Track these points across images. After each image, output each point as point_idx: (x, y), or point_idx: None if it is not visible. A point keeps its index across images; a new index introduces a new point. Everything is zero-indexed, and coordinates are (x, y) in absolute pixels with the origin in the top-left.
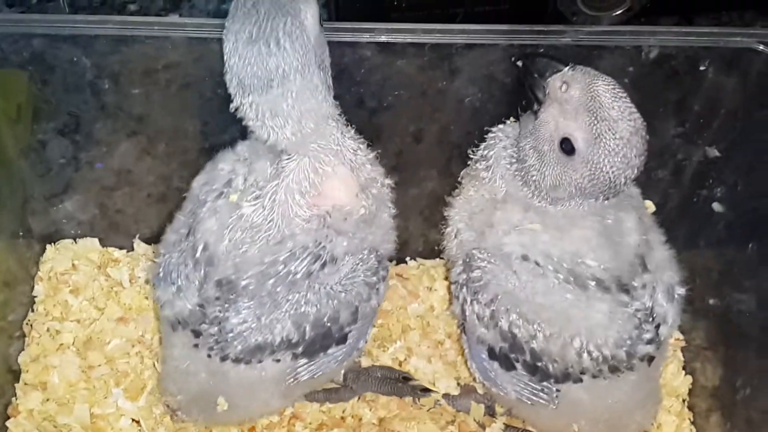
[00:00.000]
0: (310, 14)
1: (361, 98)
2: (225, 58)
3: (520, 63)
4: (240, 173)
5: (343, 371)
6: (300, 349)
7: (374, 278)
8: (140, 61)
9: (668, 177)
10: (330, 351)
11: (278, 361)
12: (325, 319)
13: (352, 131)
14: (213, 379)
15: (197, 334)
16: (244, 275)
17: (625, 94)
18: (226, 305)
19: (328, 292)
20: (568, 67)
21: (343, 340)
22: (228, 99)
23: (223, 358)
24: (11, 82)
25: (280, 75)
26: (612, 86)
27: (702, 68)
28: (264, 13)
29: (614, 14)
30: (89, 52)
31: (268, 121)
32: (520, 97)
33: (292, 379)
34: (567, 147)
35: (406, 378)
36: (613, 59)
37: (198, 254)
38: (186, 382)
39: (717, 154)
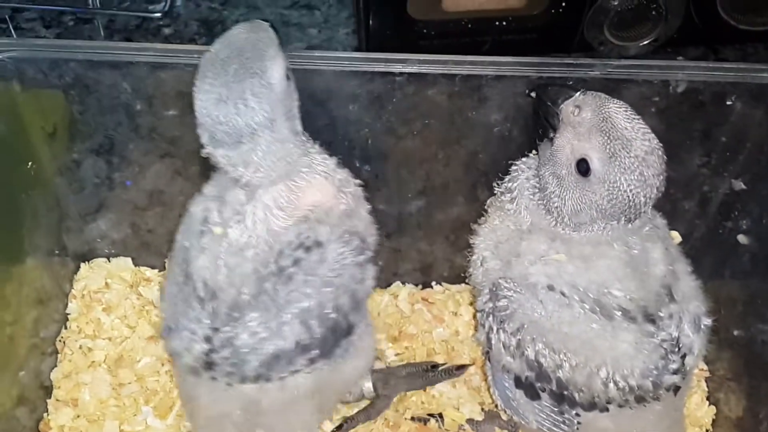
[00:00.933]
0: (277, 71)
1: (392, 125)
2: (196, 113)
3: (533, 94)
4: (213, 209)
5: (369, 383)
6: (315, 352)
7: (361, 257)
8: (174, 85)
9: (694, 208)
10: (343, 344)
11: (297, 371)
12: (328, 310)
13: (316, 145)
14: (248, 413)
15: (210, 365)
16: (244, 290)
17: (637, 117)
18: (235, 324)
19: (323, 280)
20: (579, 93)
21: (350, 330)
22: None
23: (243, 379)
24: (49, 101)
25: (249, 132)
26: (624, 108)
27: (729, 102)
28: (232, 73)
29: (641, 44)
30: (125, 75)
31: (241, 168)
32: (536, 128)
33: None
34: (583, 168)
35: (434, 366)
36: (640, 92)
37: (201, 293)
38: (223, 428)
39: (743, 186)
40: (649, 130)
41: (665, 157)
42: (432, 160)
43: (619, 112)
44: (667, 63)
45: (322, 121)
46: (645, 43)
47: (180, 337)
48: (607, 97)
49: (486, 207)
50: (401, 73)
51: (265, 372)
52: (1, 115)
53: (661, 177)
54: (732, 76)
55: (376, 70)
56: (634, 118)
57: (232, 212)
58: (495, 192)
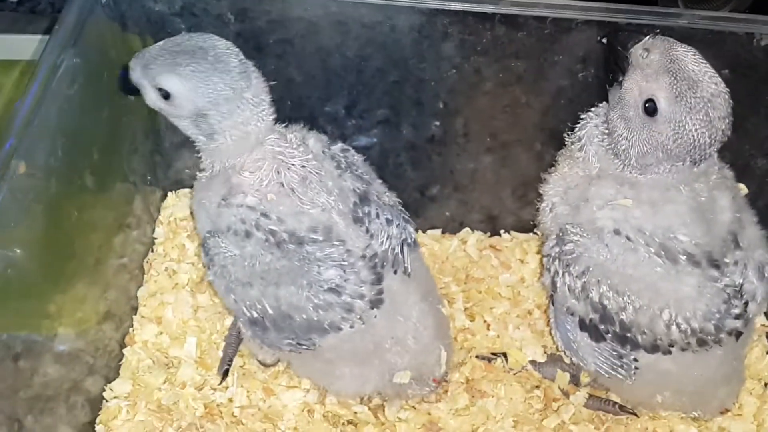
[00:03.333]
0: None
1: (479, 68)
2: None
3: (605, 40)
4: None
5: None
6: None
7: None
8: (254, 35)
9: (766, 166)
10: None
11: None
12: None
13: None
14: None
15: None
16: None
17: (705, 62)
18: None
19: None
20: (648, 36)
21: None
22: (335, 72)
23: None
24: (146, 44)
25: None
26: (692, 52)
27: None
28: None
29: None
30: (211, 22)
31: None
32: (607, 73)
33: None
34: (650, 108)
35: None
36: (724, 44)
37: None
38: None
39: None
40: (717, 75)
41: (731, 102)
42: (505, 115)
43: (687, 56)
44: (753, 17)
45: (402, 63)
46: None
47: None
48: (675, 41)
49: (556, 158)
50: (492, 14)
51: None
52: (107, 43)
53: (727, 120)
54: None
55: (467, 9)
56: (701, 62)
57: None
58: (565, 143)
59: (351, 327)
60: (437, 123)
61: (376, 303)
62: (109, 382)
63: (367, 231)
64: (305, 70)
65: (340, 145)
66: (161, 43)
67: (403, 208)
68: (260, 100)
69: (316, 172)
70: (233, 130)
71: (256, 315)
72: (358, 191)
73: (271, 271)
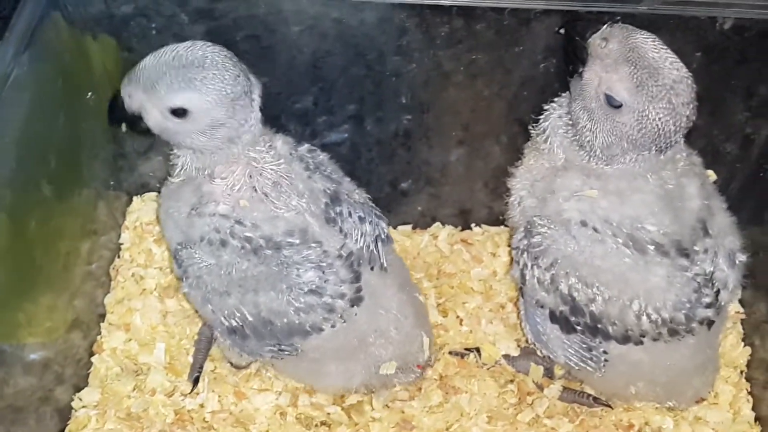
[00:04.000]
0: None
1: (439, 63)
2: None
3: (562, 30)
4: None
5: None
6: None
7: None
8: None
9: (735, 152)
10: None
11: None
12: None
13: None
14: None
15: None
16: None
17: (665, 47)
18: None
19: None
20: (606, 25)
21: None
22: (304, 67)
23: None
24: (105, 47)
25: None
26: (651, 39)
27: None
28: None
29: None
30: (172, 21)
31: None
32: (566, 64)
33: None
34: (612, 100)
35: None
36: (687, 29)
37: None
38: None
39: None
40: (678, 60)
41: (695, 86)
42: (474, 107)
43: (646, 42)
44: (715, 0)
45: (368, 57)
46: None
47: None
48: (634, 28)
49: (522, 150)
50: (450, 6)
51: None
52: (62, 47)
53: (691, 106)
54: None
55: (424, 2)
56: (661, 48)
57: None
58: (531, 135)
59: (333, 327)
60: (408, 117)
61: (356, 301)
62: (78, 391)
63: (341, 230)
64: (272, 67)
65: (306, 146)
66: (150, 60)
67: (374, 205)
68: (258, 98)
69: (287, 176)
70: (246, 134)
71: (235, 324)
72: (328, 191)
73: (249, 278)
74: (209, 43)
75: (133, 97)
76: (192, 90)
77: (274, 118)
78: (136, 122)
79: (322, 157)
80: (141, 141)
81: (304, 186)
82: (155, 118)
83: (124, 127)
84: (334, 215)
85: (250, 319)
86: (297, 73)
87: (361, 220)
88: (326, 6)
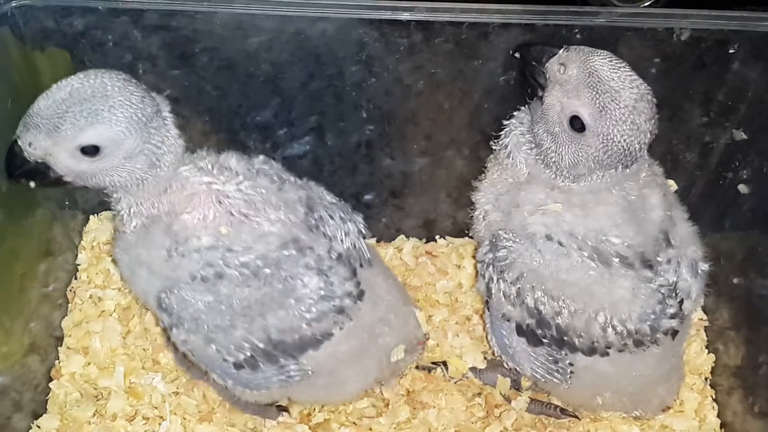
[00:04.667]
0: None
1: (399, 76)
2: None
3: (517, 54)
4: None
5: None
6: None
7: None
8: (179, 44)
9: (695, 159)
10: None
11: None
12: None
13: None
14: None
15: None
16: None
17: (623, 64)
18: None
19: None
20: (562, 50)
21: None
22: (264, 79)
23: None
24: (57, 60)
25: None
26: (609, 59)
27: (731, 51)
28: None
29: (643, 5)
30: (128, 33)
31: None
32: (525, 87)
33: None
34: (576, 125)
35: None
36: (645, 40)
37: None
38: None
39: (744, 136)
40: (636, 77)
41: (655, 99)
42: (435, 118)
43: (603, 64)
44: (672, 11)
45: (328, 71)
46: (647, 4)
47: None
48: (591, 50)
49: (486, 164)
50: (408, 21)
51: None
52: (15, 65)
53: (653, 120)
54: (735, 24)
55: (382, 17)
56: (620, 67)
57: None
58: (492, 149)
59: (341, 329)
60: (370, 128)
61: (359, 295)
62: (36, 418)
63: (325, 235)
64: (231, 80)
65: (261, 157)
66: (45, 100)
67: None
68: (170, 115)
69: (256, 191)
70: (167, 155)
71: (243, 356)
72: (302, 200)
73: (253, 304)
74: (102, 70)
75: (35, 145)
76: (101, 122)
77: (233, 131)
78: (42, 173)
79: (278, 166)
80: None
81: (278, 198)
82: (65, 163)
83: (31, 183)
84: (314, 221)
85: (261, 345)
86: (256, 86)
87: (343, 220)
88: (285, 19)
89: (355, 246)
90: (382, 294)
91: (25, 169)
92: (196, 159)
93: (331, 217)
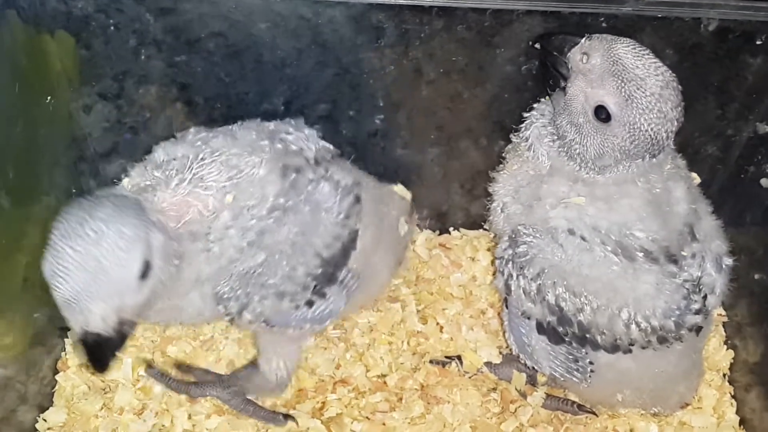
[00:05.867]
0: None
1: (417, 64)
2: None
3: (538, 45)
4: None
5: None
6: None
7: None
8: (186, 29)
9: (717, 153)
10: None
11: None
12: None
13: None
14: None
15: None
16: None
17: (647, 52)
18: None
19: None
20: (584, 39)
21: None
22: (273, 66)
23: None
24: (63, 44)
25: None
26: (632, 47)
27: (758, 42)
28: None
29: None
30: (134, 17)
31: None
32: (546, 78)
33: None
34: (602, 115)
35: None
36: (671, 30)
37: None
38: None
39: (767, 130)
40: (661, 64)
41: (680, 87)
42: (452, 107)
43: (627, 52)
44: (699, 0)
45: (343, 58)
46: None
47: None
48: (613, 37)
49: (503, 154)
50: (431, 7)
51: None
52: (22, 48)
53: (680, 108)
54: (763, 15)
55: (404, 3)
56: (644, 55)
57: None
58: (512, 140)
59: (360, 220)
60: (381, 117)
61: (358, 184)
62: (43, 412)
63: (296, 152)
64: (240, 67)
65: (192, 129)
66: (67, 283)
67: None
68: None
69: (217, 157)
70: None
71: (310, 292)
72: (259, 134)
73: (298, 237)
74: (103, 199)
75: (97, 312)
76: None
77: (240, 119)
78: (120, 340)
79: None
80: (103, 142)
81: (242, 147)
82: (133, 305)
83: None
84: (281, 146)
85: (320, 270)
86: (266, 73)
87: (296, 130)
88: (297, 4)
89: (320, 145)
90: (366, 180)
91: (107, 351)
92: (139, 173)
93: (288, 134)
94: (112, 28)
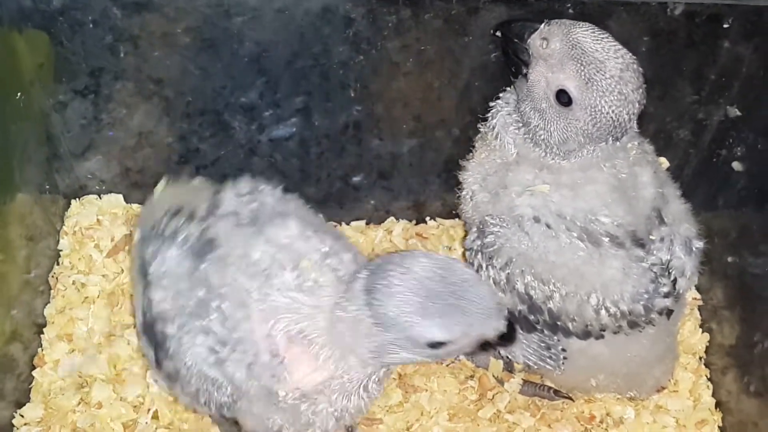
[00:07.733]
0: None
1: (388, 54)
2: None
3: (498, 33)
4: None
5: None
6: None
7: None
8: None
9: (688, 137)
10: None
11: None
12: None
13: None
14: None
15: None
16: None
17: (606, 35)
18: None
19: None
20: (543, 24)
21: None
22: (248, 59)
23: None
24: (35, 41)
25: None
26: (591, 30)
27: (725, 25)
28: None
29: None
30: (108, 12)
31: None
32: (509, 65)
33: None
34: (563, 99)
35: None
36: (638, 15)
37: None
38: None
39: (738, 113)
40: (620, 47)
41: (641, 69)
42: (425, 97)
43: (586, 36)
44: None
45: (314, 49)
46: None
47: None
48: (572, 22)
49: (474, 143)
50: None
51: None
52: None
53: (641, 90)
54: None
55: None
56: (603, 38)
57: None
58: (480, 130)
59: None
60: (357, 109)
61: None
62: (20, 408)
63: None
64: (215, 60)
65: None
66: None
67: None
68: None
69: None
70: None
71: None
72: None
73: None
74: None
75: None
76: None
77: (217, 113)
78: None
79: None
80: (76, 141)
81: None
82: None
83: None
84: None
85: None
86: (240, 66)
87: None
88: None
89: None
90: None
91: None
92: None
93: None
94: (88, 24)
